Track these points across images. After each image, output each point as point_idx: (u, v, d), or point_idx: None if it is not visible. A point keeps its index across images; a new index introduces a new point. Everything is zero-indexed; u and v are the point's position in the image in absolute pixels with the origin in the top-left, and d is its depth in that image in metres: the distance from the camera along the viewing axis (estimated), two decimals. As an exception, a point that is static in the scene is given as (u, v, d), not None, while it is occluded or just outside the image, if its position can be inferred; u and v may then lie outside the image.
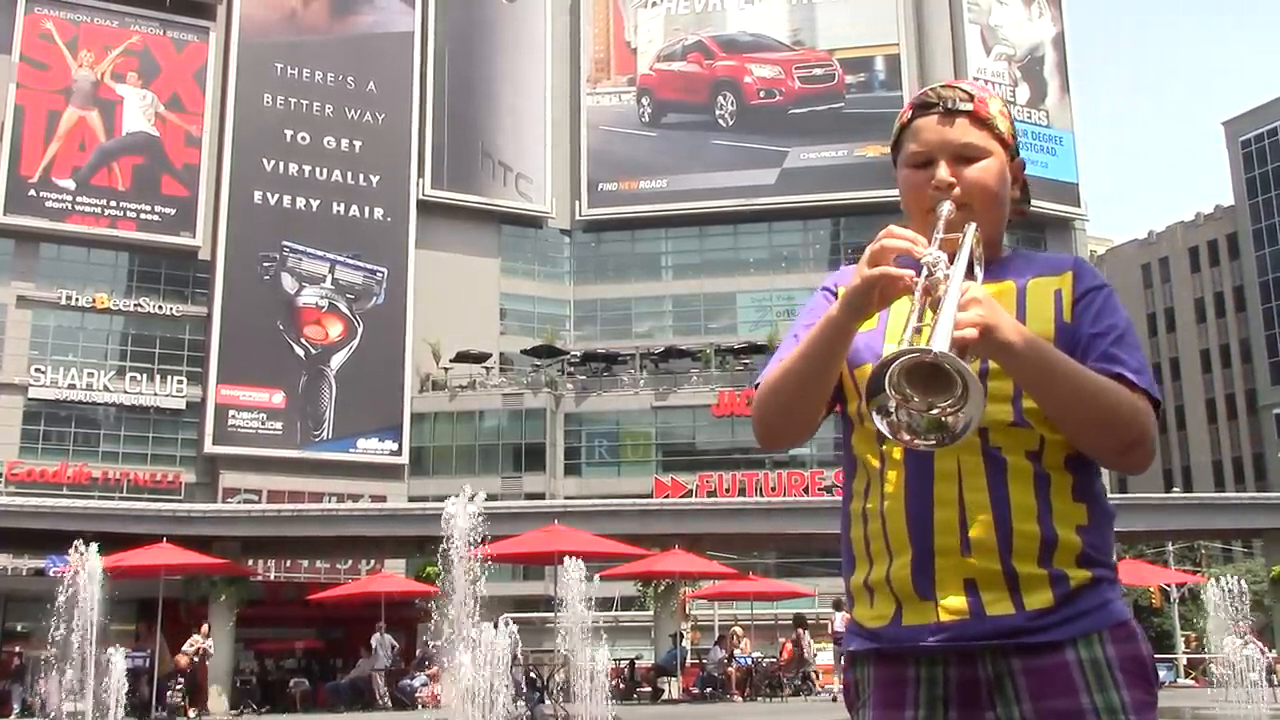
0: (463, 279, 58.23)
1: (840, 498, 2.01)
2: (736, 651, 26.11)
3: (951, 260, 1.77)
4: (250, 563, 32.19)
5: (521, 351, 58.34)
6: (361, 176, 56.95)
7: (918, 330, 1.65)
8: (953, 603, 1.78)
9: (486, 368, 57.45)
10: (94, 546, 18.41)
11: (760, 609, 37.43)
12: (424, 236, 57.71)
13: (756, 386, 1.94)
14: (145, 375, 52.94)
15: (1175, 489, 68.69)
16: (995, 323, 1.68)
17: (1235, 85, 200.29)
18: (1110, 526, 1.89)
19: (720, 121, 62.55)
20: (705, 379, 56.38)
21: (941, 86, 1.99)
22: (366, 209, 56.83)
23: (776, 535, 34.33)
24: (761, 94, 62.33)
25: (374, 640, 24.53)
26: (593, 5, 65.18)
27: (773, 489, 50.66)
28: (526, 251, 62.59)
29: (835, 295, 1.97)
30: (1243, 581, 24.88)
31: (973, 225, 1.87)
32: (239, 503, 45.86)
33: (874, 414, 1.61)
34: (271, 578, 42.73)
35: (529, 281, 62.32)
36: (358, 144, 57.18)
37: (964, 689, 1.80)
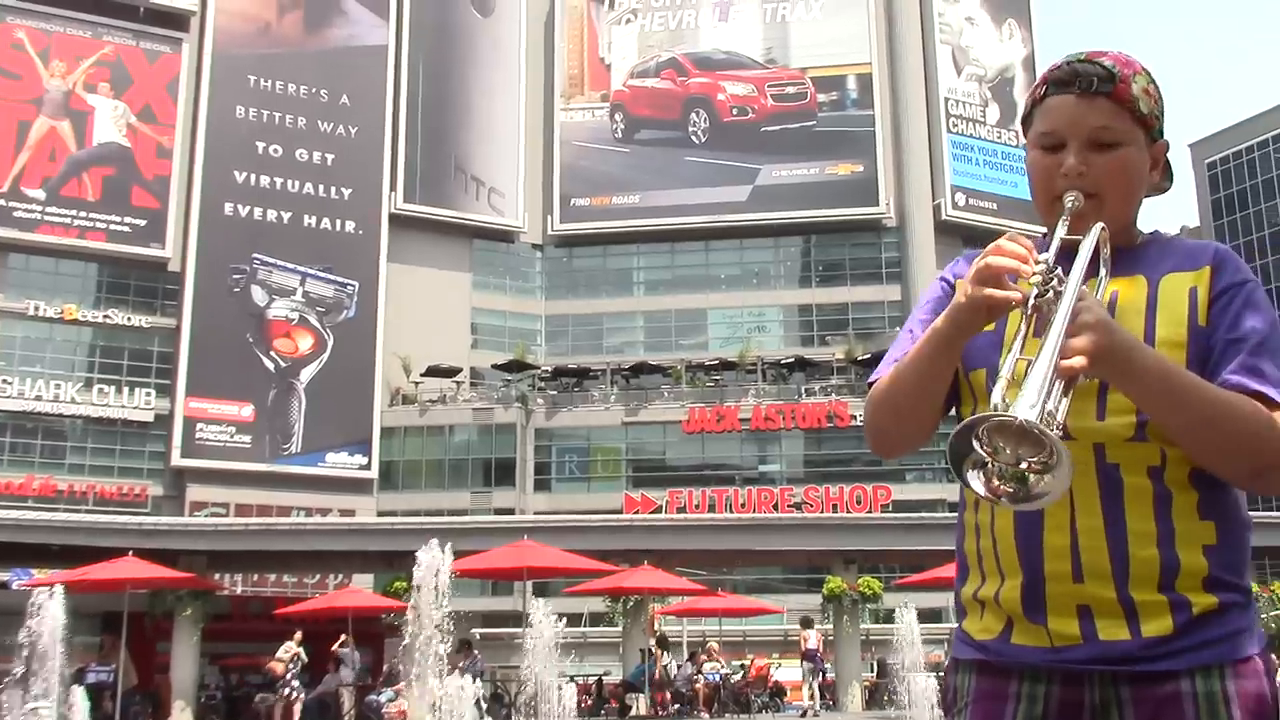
0: (434, 293, 58.15)
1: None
2: (706, 667, 26.09)
3: (1068, 269, 1.65)
4: (217, 577, 31.97)
5: (492, 366, 58.26)
6: (334, 189, 56.84)
7: (1018, 361, 1.58)
8: (1064, 628, 1.71)
9: (457, 382, 57.33)
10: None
11: (729, 625, 37.47)
12: (396, 250, 57.60)
13: (870, 386, 1.87)
14: (113, 387, 52.54)
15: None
16: (1109, 347, 1.57)
17: (1201, 108, 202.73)
18: (1245, 539, 1.76)
19: (693, 138, 62.79)
20: (676, 395, 56.45)
21: (1080, 61, 1.83)
22: (338, 222, 56.70)
23: (746, 552, 34.36)
24: (734, 111, 62.63)
25: (341, 654, 24.39)
26: (567, 21, 65.38)
27: (743, 505, 50.76)
28: (498, 266, 62.57)
29: (951, 287, 1.91)
30: None
31: (1098, 227, 1.76)
32: (206, 516, 45.56)
33: (967, 472, 1.53)
34: (238, 592, 42.42)
35: (500, 296, 62.28)
36: (330, 157, 57.07)
37: (1065, 711, 1.72)
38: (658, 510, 50.33)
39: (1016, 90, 64.86)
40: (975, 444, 1.51)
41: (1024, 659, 1.74)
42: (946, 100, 61.66)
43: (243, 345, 53.42)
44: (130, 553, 24.52)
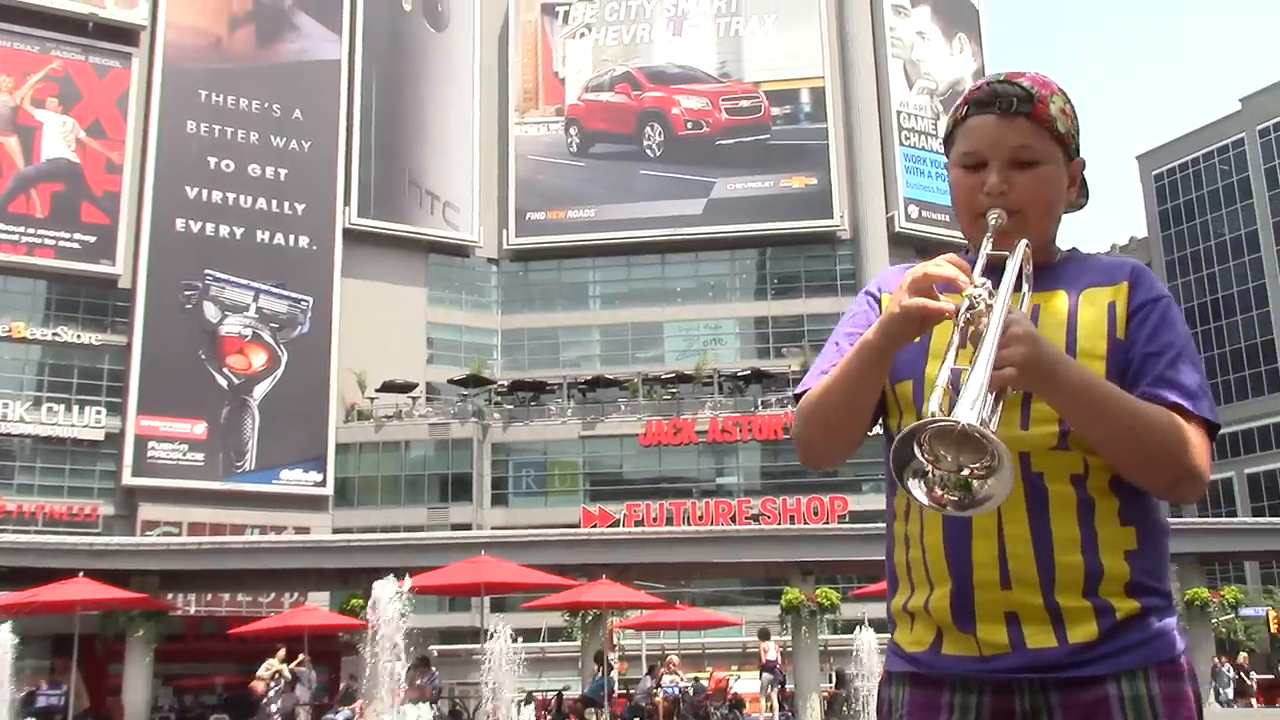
0: (389, 308, 57.87)
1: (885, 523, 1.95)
2: (665, 681, 26.04)
3: (997, 281, 1.71)
4: (170, 597, 31.60)
5: (448, 381, 58.03)
6: (287, 205, 56.45)
7: (954, 369, 1.62)
8: (993, 636, 1.74)
9: (413, 398, 57.04)
10: None
11: (688, 638, 37.45)
12: (350, 265, 57.27)
13: (797, 399, 1.89)
14: (63, 406, 51.81)
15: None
16: (1037, 359, 1.62)
17: (1148, 120, 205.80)
18: (1164, 544, 1.82)
19: (648, 152, 62.95)
20: (633, 408, 56.45)
21: (1000, 82, 1.88)
22: (292, 237, 56.32)
23: (704, 564, 34.39)
24: (689, 125, 62.87)
25: (299, 673, 24.14)
26: (521, 35, 65.41)
27: (700, 518, 50.78)
28: (453, 281, 62.37)
29: (877, 301, 1.95)
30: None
31: (1023, 243, 1.80)
32: (158, 535, 45.01)
33: (908, 481, 1.57)
34: (191, 612, 41.95)
35: (456, 311, 62.07)
36: (283, 172, 56.69)
37: (998, 719, 1.75)
38: (615, 524, 50.24)
39: (967, 104, 65.51)
40: (917, 451, 1.53)
41: (955, 669, 1.77)
42: (899, 113, 62.23)
43: (195, 362, 52.88)
44: (81, 574, 24.18)
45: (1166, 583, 1.79)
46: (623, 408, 56.88)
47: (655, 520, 50.98)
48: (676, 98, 63.40)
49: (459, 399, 58.14)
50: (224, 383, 53.56)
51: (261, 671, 22.76)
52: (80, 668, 23.39)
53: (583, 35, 65.43)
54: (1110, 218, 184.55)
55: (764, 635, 25.04)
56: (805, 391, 1.87)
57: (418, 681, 21.67)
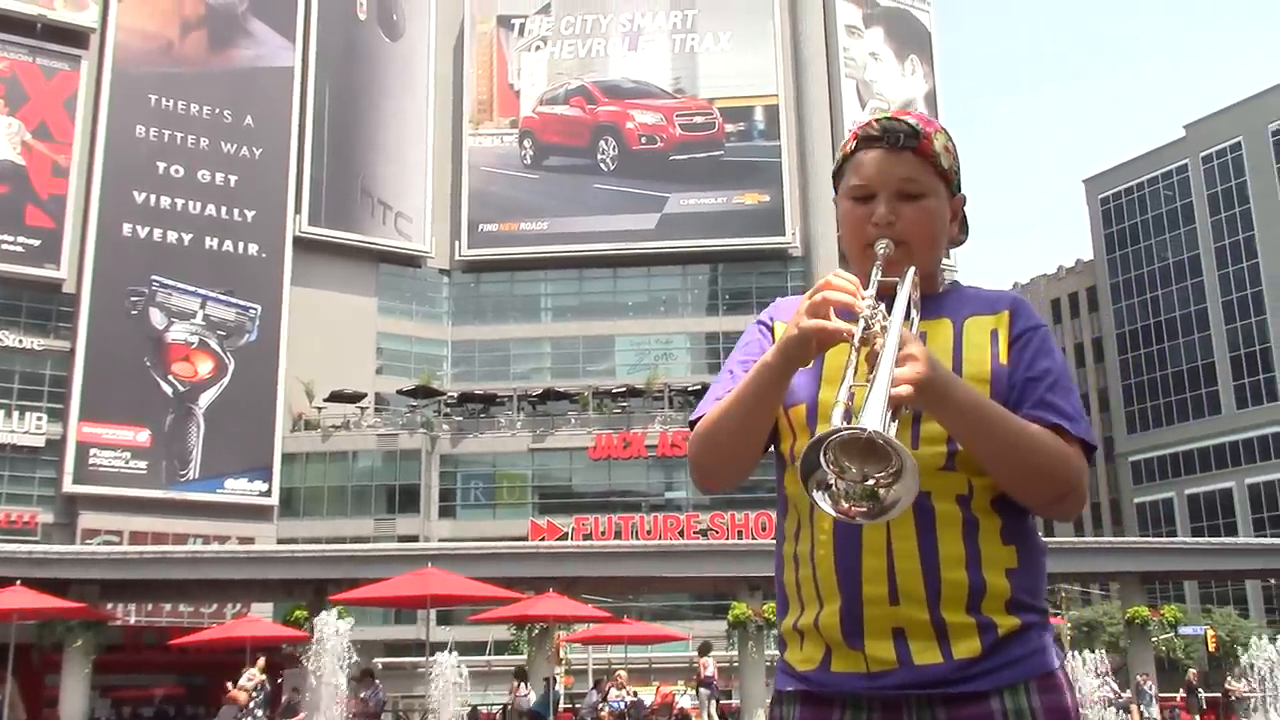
0: (339, 318, 57.48)
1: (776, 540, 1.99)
2: (611, 694, 26.01)
3: (889, 307, 1.77)
4: (110, 607, 31.16)
5: (398, 392, 57.72)
6: (236, 211, 55.93)
7: (853, 387, 1.66)
8: (880, 652, 1.78)
9: (361, 408, 56.66)
10: None
11: (635, 653, 37.44)
12: (300, 274, 56.82)
13: (692, 425, 1.92)
14: (2, 411, 50.94)
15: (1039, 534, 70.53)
16: (931, 378, 1.68)
17: (1096, 144, 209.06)
18: (1042, 564, 1.89)
19: (601, 165, 63.07)
20: (583, 422, 56.42)
21: (887, 119, 1.97)
22: (241, 245, 55.80)
23: (652, 579, 34.42)
24: (643, 139, 63.06)
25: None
26: (476, 47, 65.34)
27: (649, 532, 50.81)
28: (404, 291, 62.08)
29: (770, 329, 2.00)
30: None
31: (911, 270, 1.88)
32: (99, 544, 44.37)
33: (814, 492, 1.61)
34: (132, 622, 41.34)
35: (406, 321, 61.77)
36: (233, 178, 56.18)
37: None
38: (564, 537, 50.15)
39: (919, 124, 66.23)
40: (823, 461, 1.57)
41: (844, 687, 1.80)
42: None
43: (140, 369, 52.22)
44: (18, 582, 23.80)
45: (1043, 600, 1.86)
46: (572, 421, 56.84)
47: (604, 534, 50.95)
48: (631, 112, 63.60)
49: (408, 410, 57.83)
50: (169, 390, 52.93)
51: (244, 682, 22.52)
52: (16, 678, 22.98)
53: (538, 48, 65.48)
54: (1058, 240, 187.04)
55: (704, 650, 25.09)
56: (701, 417, 1.91)
57: (361, 694, 21.48)
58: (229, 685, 22.29)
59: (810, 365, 1.80)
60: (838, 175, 2.03)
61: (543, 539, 49.47)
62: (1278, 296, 70.20)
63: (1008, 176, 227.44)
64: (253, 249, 55.96)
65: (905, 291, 1.82)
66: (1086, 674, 26.47)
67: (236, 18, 58.54)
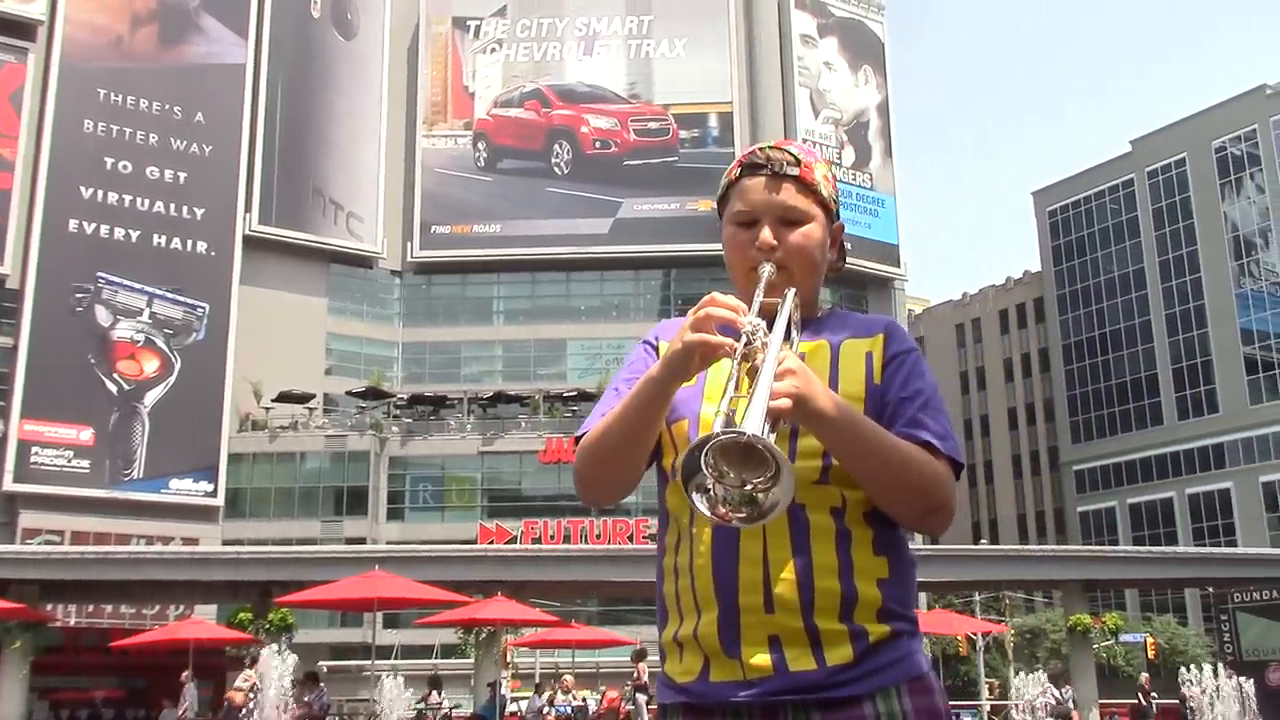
0: (288, 317, 56.99)
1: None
2: (559, 700, 25.97)
3: (770, 326, 1.83)
4: (49, 608, 30.69)
5: (347, 393, 57.33)
6: (185, 209, 55.32)
7: (734, 399, 1.71)
8: (757, 660, 1.82)
9: (310, 408, 56.21)
10: None
11: (583, 657, 37.42)
12: (249, 273, 56.29)
13: (578, 440, 1.95)
14: (-59, 408, 50.08)
15: (982, 540, 71.45)
16: (808, 393, 1.74)
17: (1045, 157, 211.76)
18: (912, 575, 1.95)
19: (555, 169, 63.04)
20: (533, 425, 56.33)
21: (770, 148, 2.05)
22: (189, 242, 55.19)
23: (601, 583, 34.40)
24: (597, 144, 63.11)
25: (186, 690, 23.60)
26: (431, 48, 65.11)
27: (598, 536, 50.81)
28: (355, 292, 61.69)
29: (655, 348, 2.05)
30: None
31: (792, 291, 1.94)
32: (39, 544, 43.71)
33: (692, 494, 1.64)
34: (72, 623, 40.75)
35: (357, 322, 61.38)
36: (182, 175, 55.57)
37: None
38: (513, 541, 50.06)
39: (871, 134, 66.85)
40: (703, 465, 1.62)
41: (723, 696, 1.84)
42: (804, 141, 62.55)
43: (84, 367, 51.51)
44: (-44, 582, 23.39)
45: (913, 609, 1.92)
46: (523, 424, 56.74)
47: (553, 538, 50.90)
48: (586, 117, 63.63)
49: (357, 411, 57.47)
50: (114, 388, 52.24)
51: (240, 683, 22.30)
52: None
53: (493, 50, 65.35)
54: (1008, 251, 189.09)
55: (640, 656, 25.12)
56: (587, 433, 1.95)
57: (305, 698, 21.32)
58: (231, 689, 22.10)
59: (694, 382, 1.86)
60: (722, 201, 2.10)
61: (491, 542, 49.34)
62: (1218, 310, 71.48)
63: (959, 188, 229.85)
64: (201, 247, 55.38)
65: (785, 311, 1.89)
66: (1030, 688, 26.81)
67: (188, 13, 57.95)
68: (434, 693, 24.80)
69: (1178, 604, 66.45)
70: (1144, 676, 28.99)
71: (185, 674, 23.97)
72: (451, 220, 62.14)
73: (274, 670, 19.33)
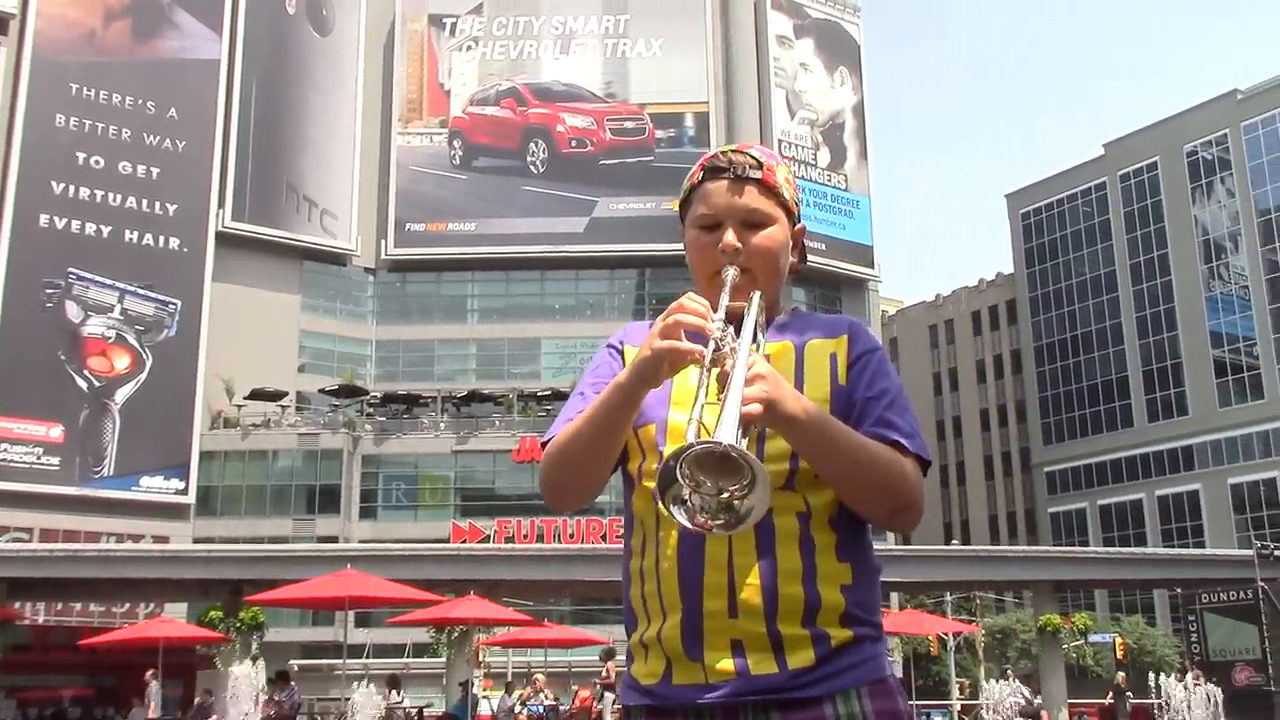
0: (261, 315, 56.71)
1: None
2: (532, 700, 25.94)
3: (737, 330, 1.84)
4: (18, 606, 30.47)
5: (320, 391, 57.09)
6: (158, 204, 54.96)
7: (705, 406, 1.71)
8: (720, 664, 1.83)
9: (282, 406, 55.96)
10: None
11: (555, 656, 37.39)
12: (222, 269, 55.97)
13: (544, 446, 1.95)
14: (-92, 403, 49.58)
15: (954, 541, 71.82)
16: (778, 397, 1.75)
17: (1018, 160, 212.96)
18: (875, 580, 1.96)
19: (531, 168, 62.96)
20: (507, 424, 56.26)
21: (732, 151, 2.05)
22: (162, 238, 54.84)
23: (574, 582, 34.43)
24: (573, 143, 63.07)
25: (150, 689, 23.48)
26: (407, 45, 64.92)
27: (571, 535, 50.81)
28: (329, 289, 61.44)
29: (620, 352, 2.06)
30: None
31: (758, 295, 1.95)
32: (7, 541, 43.37)
33: (670, 507, 1.64)
34: (40, 621, 40.45)
35: (330, 320, 61.13)
36: (155, 171, 55.20)
37: None
38: (486, 540, 50.00)
39: (846, 135, 67.05)
40: (679, 476, 1.62)
41: (686, 699, 1.86)
42: (780, 142, 63.30)
43: (54, 363, 51.10)
44: (-78, 579, 23.20)
45: (877, 615, 1.94)
46: (497, 423, 56.65)
47: (526, 537, 50.87)
48: (562, 115, 63.58)
49: (330, 409, 57.24)
50: (84, 385, 51.86)
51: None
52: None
53: (469, 48, 65.21)
54: (981, 253, 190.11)
55: (608, 655, 25.16)
56: (552, 438, 1.95)
57: (276, 697, 21.25)
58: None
59: (660, 387, 1.86)
60: (684, 205, 2.11)
61: (464, 541, 49.25)
62: (1188, 314, 72.06)
63: (933, 190, 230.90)
64: (174, 243, 55.05)
65: (752, 315, 1.90)
66: (1002, 690, 27.05)
67: (162, 8, 57.60)
68: (393, 692, 24.74)
69: (1146, 604, 66.96)
70: (1120, 676, 29.21)
71: (150, 673, 23.83)
72: (426, 218, 61.98)
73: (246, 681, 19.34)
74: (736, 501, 1.64)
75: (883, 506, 1.86)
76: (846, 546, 1.90)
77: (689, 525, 1.66)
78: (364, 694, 21.37)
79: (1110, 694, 27.69)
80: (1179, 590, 39.29)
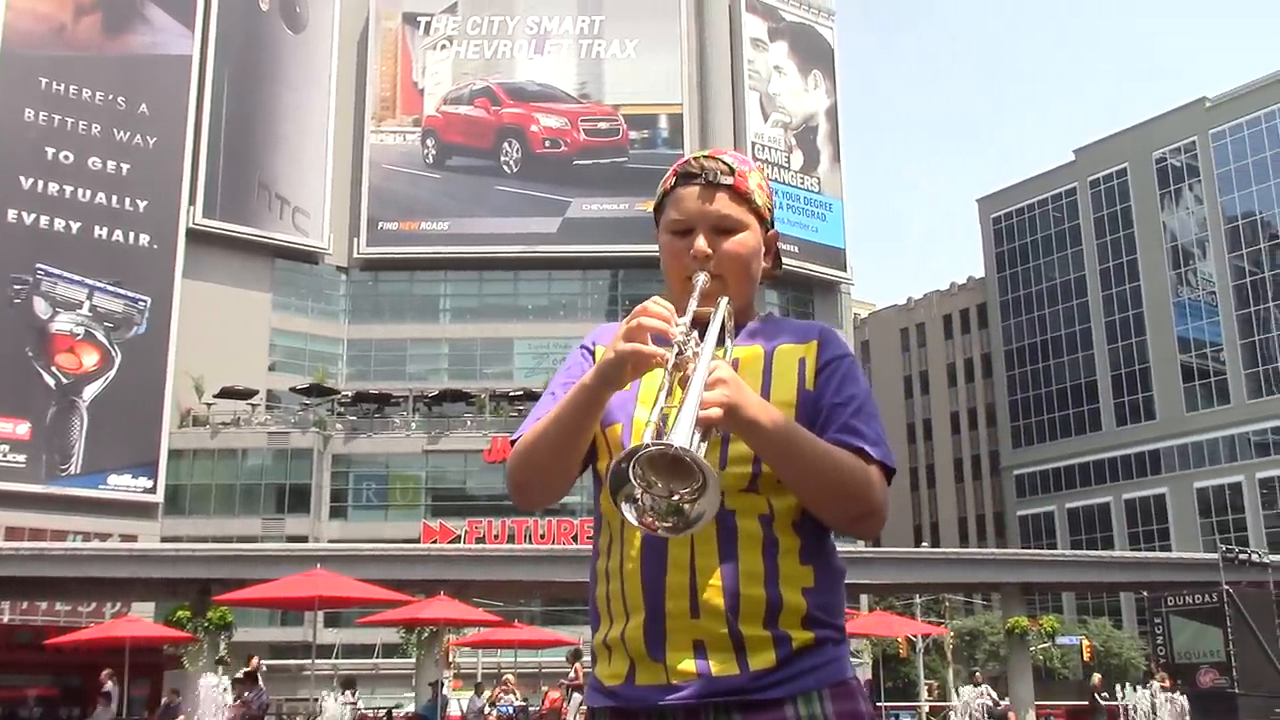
0: (231, 312, 56.37)
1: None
2: (502, 700, 25.90)
3: (703, 335, 1.84)
4: (-18, 604, 30.23)
5: (290, 389, 56.79)
6: (128, 200, 54.56)
7: (665, 409, 1.72)
8: (682, 665, 1.84)
9: (252, 405, 55.65)
10: None
11: (525, 657, 37.36)
12: (192, 266, 55.62)
13: (513, 445, 1.95)
14: (-128, 400, 49.03)
15: (924, 543, 72.19)
16: (739, 402, 1.75)
17: (990, 165, 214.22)
18: (839, 584, 1.96)
19: (505, 168, 62.87)
20: (479, 424, 56.13)
21: (705, 157, 2.06)
22: (132, 235, 54.44)
23: (544, 583, 34.42)
24: (546, 143, 63.01)
25: (107, 688, 23.26)
26: (380, 43, 64.69)
27: (542, 536, 50.74)
28: (300, 287, 61.13)
29: (592, 353, 2.07)
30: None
31: (724, 300, 1.96)
32: (-28, 540, 42.93)
33: (621, 504, 1.66)
34: (4, 620, 40.10)
35: (301, 318, 60.83)
36: (125, 167, 54.80)
37: None
38: (456, 540, 49.85)
39: (820, 139, 67.28)
40: (631, 476, 1.64)
41: (649, 700, 1.86)
42: (754, 144, 63.46)
43: (21, 359, 50.65)
44: (-115, 577, 22.95)
45: (840, 618, 1.94)
46: (468, 423, 56.52)
47: (497, 537, 50.76)
48: (535, 115, 63.51)
49: (301, 408, 56.96)
50: (51, 382, 51.43)
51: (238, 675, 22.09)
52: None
53: (444, 47, 65.06)
54: (953, 257, 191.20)
55: (575, 656, 25.16)
56: (521, 437, 1.97)
57: (244, 696, 21.12)
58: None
59: (627, 388, 1.87)
60: (658, 210, 2.12)
61: (435, 541, 49.11)
62: (1156, 319, 72.70)
63: (906, 194, 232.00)
64: (144, 240, 54.66)
65: (718, 320, 1.91)
66: (967, 691, 27.23)
67: (133, 3, 57.20)
68: (346, 692, 24.67)
69: (1113, 607, 67.49)
70: (1096, 678, 29.43)
71: (105, 672, 23.61)
72: (399, 217, 61.78)
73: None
74: (686, 505, 1.65)
75: (845, 513, 1.87)
76: (809, 549, 1.91)
77: (637, 524, 1.67)
78: (335, 703, 21.31)
79: (1091, 696, 27.77)
80: (1145, 593, 39.62)
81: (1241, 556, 31.97)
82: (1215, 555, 31.86)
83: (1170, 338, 71.76)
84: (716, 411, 1.71)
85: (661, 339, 1.79)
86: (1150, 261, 73.38)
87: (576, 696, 23.66)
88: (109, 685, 23.29)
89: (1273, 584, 29.88)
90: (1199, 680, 26.46)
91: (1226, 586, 26.94)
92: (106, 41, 56.17)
